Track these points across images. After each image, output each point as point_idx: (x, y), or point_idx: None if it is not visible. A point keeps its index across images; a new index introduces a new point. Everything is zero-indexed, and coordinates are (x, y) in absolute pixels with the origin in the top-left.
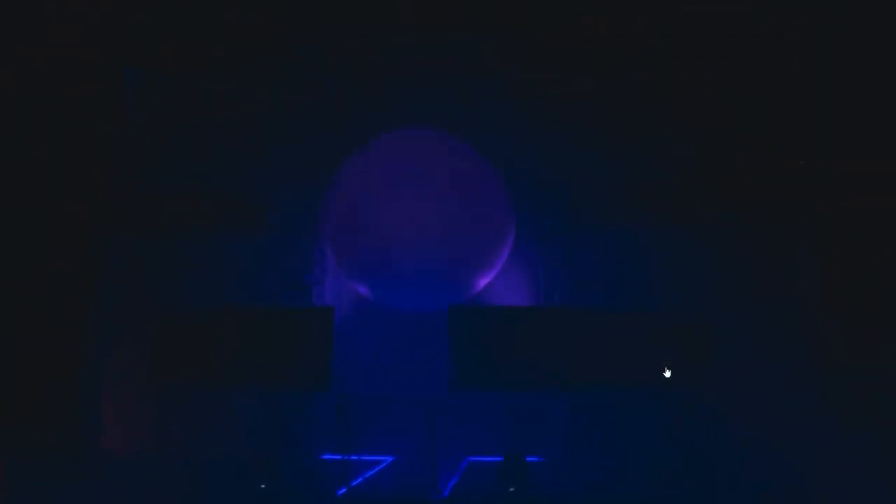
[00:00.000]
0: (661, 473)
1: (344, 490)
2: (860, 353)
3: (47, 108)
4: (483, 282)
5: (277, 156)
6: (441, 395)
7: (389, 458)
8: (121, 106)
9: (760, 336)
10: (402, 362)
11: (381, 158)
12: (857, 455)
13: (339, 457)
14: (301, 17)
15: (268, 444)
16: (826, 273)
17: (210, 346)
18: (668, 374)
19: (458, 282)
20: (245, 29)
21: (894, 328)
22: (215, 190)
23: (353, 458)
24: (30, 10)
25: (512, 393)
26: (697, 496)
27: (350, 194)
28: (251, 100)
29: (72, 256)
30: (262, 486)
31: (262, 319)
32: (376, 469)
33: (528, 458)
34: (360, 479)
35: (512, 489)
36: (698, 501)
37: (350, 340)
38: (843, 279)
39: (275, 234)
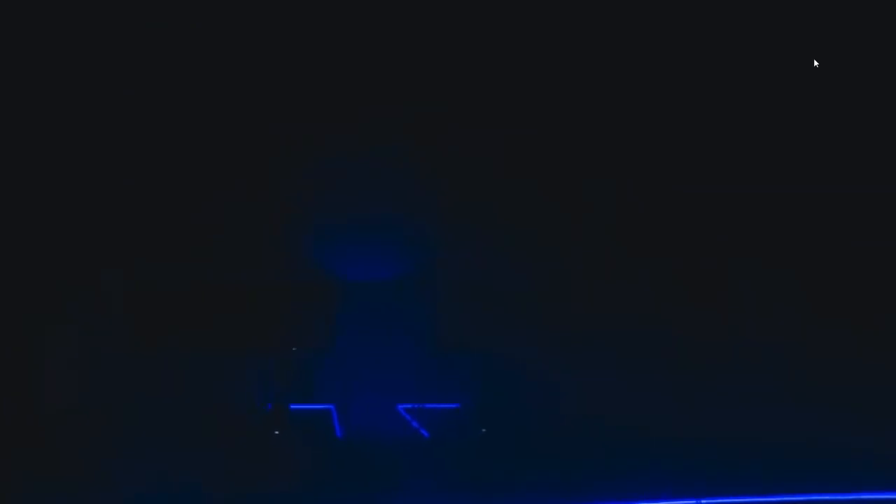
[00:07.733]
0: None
1: (340, 434)
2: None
3: None
4: None
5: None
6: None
7: (329, 406)
8: None
9: None
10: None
11: None
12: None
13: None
14: None
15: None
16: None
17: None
18: None
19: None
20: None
21: None
22: None
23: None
24: None
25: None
26: None
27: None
28: None
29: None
30: (276, 432)
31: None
32: (335, 416)
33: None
34: (337, 425)
35: (483, 430)
36: None
37: None
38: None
39: None
